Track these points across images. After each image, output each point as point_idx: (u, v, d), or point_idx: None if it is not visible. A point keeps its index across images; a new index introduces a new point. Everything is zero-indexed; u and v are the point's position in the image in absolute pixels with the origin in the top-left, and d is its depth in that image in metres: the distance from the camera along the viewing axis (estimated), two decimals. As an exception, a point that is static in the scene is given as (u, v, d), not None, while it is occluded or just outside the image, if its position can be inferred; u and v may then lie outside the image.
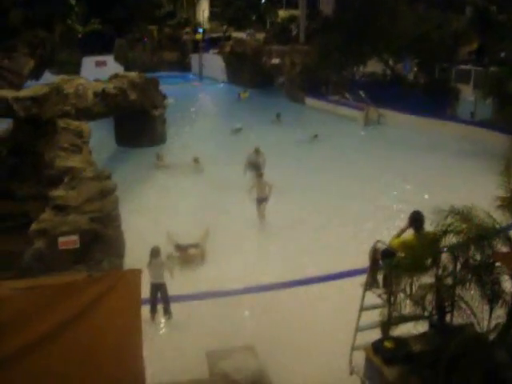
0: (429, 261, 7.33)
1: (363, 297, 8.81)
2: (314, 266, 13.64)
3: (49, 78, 33.75)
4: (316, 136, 26.90)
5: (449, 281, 7.27)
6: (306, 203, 18.44)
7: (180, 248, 14.23)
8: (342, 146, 26.32)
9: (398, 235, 8.78)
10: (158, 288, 11.48)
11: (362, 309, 8.80)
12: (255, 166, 19.57)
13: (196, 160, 22.25)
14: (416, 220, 8.57)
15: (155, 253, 11.58)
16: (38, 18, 52.44)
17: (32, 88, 17.15)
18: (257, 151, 20.43)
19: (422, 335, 7.64)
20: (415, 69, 33.94)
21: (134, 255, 12.92)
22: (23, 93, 15.95)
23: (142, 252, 12.06)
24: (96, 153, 17.24)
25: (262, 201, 16.84)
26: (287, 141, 26.94)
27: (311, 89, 36.97)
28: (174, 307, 11.67)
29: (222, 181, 20.40)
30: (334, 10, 40.56)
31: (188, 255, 14.14)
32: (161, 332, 11.42)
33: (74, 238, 11.94)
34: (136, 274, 5.89)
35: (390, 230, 11.52)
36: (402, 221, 9.14)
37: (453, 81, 31.09)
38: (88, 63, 52.13)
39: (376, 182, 20.49)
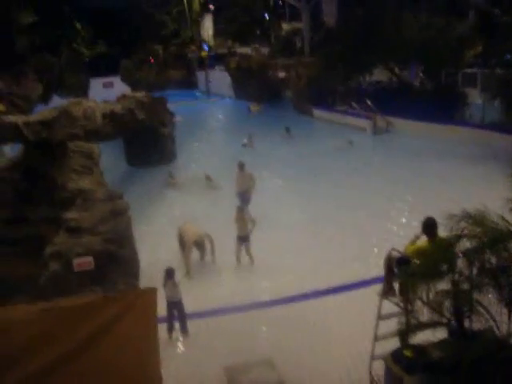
0: (444, 266, 7.27)
1: (380, 305, 8.77)
2: (328, 277, 13.57)
3: (57, 101, 34.09)
4: (351, 142, 27.52)
5: (465, 286, 7.20)
6: (317, 213, 18.43)
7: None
8: (351, 156, 26.31)
9: (413, 242, 8.75)
10: (175, 306, 11.47)
11: (380, 318, 8.77)
12: (242, 196, 17.66)
13: (208, 178, 22.29)
14: (429, 226, 8.53)
15: (170, 273, 11.56)
16: (45, 43, 53.22)
17: (41, 112, 17.30)
18: (241, 167, 18.16)
19: (442, 342, 7.56)
20: (421, 75, 33.91)
21: (149, 274, 12.94)
22: (32, 117, 16.09)
23: (157, 271, 12.11)
24: (107, 173, 17.35)
25: (243, 240, 14.70)
26: (298, 154, 27.03)
27: (318, 100, 37.02)
28: (191, 324, 11.66)
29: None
30: (337, 20, 40.77)
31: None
32: (178, 350, 11.38)
33: (89, 259, 11.96)
34: (152, 292, 5.90)
35: (402, 237, 11.47)
36: (415, 228, 9.08)
37: (460, 85, 31.06)
38: (95, 85, 52.58)
39: (387, 190, 20.42)
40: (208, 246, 14.88)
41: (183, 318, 11.59)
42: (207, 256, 15.04)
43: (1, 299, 10.44)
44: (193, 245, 14.74)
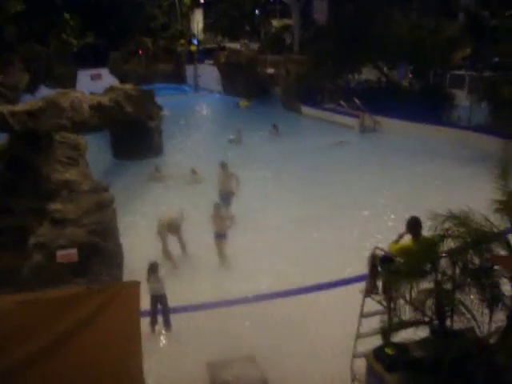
0: (428, 266, 7.32)
1: (363, 303, 8.81)
2: (312, 274, 13.60)
3: (44, 91, 33.81)
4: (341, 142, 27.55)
5: (448, 286, 7.25)
6: (302, 210, 18.48)
7: None
8: (337, 154, 26.39)
9: (396, 241, 8.79)
10: (158, 299, 11.47)
11: (362, 315, 8.81)
12: (224, 196, 17.19)
13: (193, 171, 22.33)
14: (413, 225, 8.57)
15: (154, 268, 11.55)
16: (33, 33, 52.87)
17: (28, 102, 17.18)
18: (223, 167, 17.69)
19: (423, 341, 7.61)
20: (410, 75, 34.07)
21: (133, 267, 12.92)
22: (19, 107, 15.96)
23: (141, 264, 12.08)
24: (93, 166, 17.29)
25: (220, 237, 14.60)
26: (285, 151, 27.08)
27: (307, 97, 37.04)
28: (174, 318, 11.64)
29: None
30: (327, 18, 40.83)
31: None
32: (161, 344, 11.37)
33: (73, 251, 11.89)
34: (135, 285, 5.89)
35: (385, 236, 11.53)
36: (399, 227, 9.12)
37: (447, 86, 31.26)
38: (83, 76, 52.22)
39: (373, 189, 20.50)
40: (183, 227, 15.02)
41: (166, 312, 11.58)
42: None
43: (-18, 290, 10.38)
44: (166, 228, 14.81)
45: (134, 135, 25.33)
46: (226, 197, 16.92)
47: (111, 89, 24.42)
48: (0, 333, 4.84)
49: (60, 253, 11.69)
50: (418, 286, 7.36)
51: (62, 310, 5.33)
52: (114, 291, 5.81)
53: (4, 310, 5.16)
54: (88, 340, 5.31)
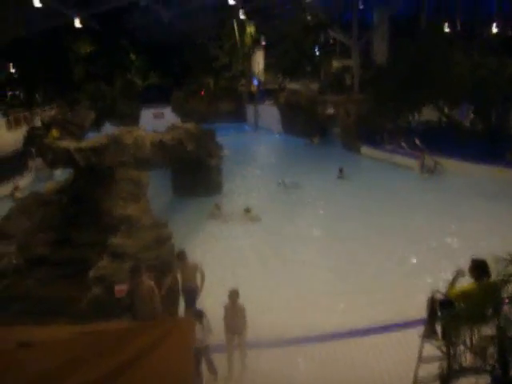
0: (489, 311, 7.07)
1: (421, 348, 8.56)
2: (372, 316, 13.35)
3: (109, 128, 34.78)
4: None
5: (511, 332, 6.98)
6: (364, 254, 18.26)
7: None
8: (399, 197, 26.01)
9: (453, 283, 8.55)
10: (202, 351, 10.37)
11: (421, 360, 8.55)
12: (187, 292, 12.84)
13: (247, 210, 22.53)
14: (479, 268, 8.31)
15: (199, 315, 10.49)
16: (100, 73, 54.90)
17: (93, 139, 17.74)
18: (181, 256, 12.86)
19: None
20: (472, 115, 33.49)
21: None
22: (84, 144, 16.52)
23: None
24: (153, 202, 17.57)
25: (190, 293, 12.09)
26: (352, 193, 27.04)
27: (366, 138, 36.93)
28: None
29: (277, 231, 20.78)
30: (387, 58, 40.79)
31: None
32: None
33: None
34: (190, 322, 5.90)
35: (448, 279, 11.25)
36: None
37: (510, 127, 30.56)
38: (146, 114, 53.67)
39: (436, 231, 20.12)
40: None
41: (210, 362, 10.79)
42: None
43: (43, 319, 10.61)
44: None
45: (195, 173, 25.75)
46: (190, 294, 12.92)
47: (173, 127, 24.95)
48: (57, 362, 4.92)
49: (118, 287, 11.86)
50: (479, 332, 7.11)
51: (116, 343, 5.38)
52: (168, 326, 5.84)
53: (62, 340, 5.25)
54: (141, 373, 5.32)
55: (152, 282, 10.74)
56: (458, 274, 8.60)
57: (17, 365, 4.90)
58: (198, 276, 12.00)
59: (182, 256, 11.92)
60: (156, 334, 5.63)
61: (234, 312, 10.92)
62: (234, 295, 10.87)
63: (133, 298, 10.74)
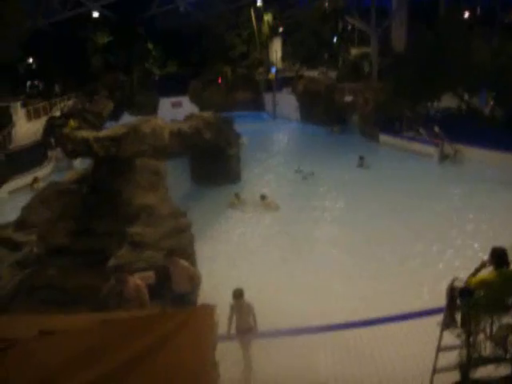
0: (510, 299, 7.01)
1: (440, 337, 8.50)
2: (389, 305, 13.30)
3: (127, 118, 34.93)
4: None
5: (532, 321, 6.93)
6: (385, 243, 18.19)
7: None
8: (419, 186, 25.77)
9: (474, 273, 8.47)
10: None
11: (440, 349, 8.50)
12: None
13: (263, 197, 22.55)
14: (499, 256, 8.24)
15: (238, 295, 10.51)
16: (118, 63, 55.15)
17: (111, 129, 17.81)
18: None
19: (504, 379, 7.27)
20: (491, 102, 33.07)
21: (210, 293, 13.00)
22: (103, 133, 16.58)
23: (217, 290, 12.11)
24: (172, 191, 17.63)
25: (244, 333, 10.95)
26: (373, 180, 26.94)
27: (385, 125, 36.70)
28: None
29: (295, 220, 20.68)
30: (405, 45, 40.41)
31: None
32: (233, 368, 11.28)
33: (150, 273, 12.13)
34: (210, 309, 5.88)
35: (468, 268, 11.20)
36: (479, 259, 8.79)
37: (532, 113, 30.14)
38: (164, 104, 53.79)
39: (455, 219, 19.97)
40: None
41: None
42: None
43: (63, 308, 10.73)
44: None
45: (213, 162, 25.77)
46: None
47: (191, 116, 24.96)
48: (78, 350, 4.95)
49: (137, 275, 11.93)
50: (499, 321, 7.05)
51: (135, 331, 5.38)
52: (188, 314, 5.84)
53: (83, 329, 5.29)
54: (160, 362, 5.33)
55: (138, 280, 10.71)
56: (482, 264, 8.51)
57: (39, 352, 4.94)
58: (251, 317, 11.17)
59: (238, 295, 11.38)
60: (177, 320, 5.62)
61: (241, 310, 10.69)
62: (238, 294, 10.65)
63: (120, 301, 10.71)
